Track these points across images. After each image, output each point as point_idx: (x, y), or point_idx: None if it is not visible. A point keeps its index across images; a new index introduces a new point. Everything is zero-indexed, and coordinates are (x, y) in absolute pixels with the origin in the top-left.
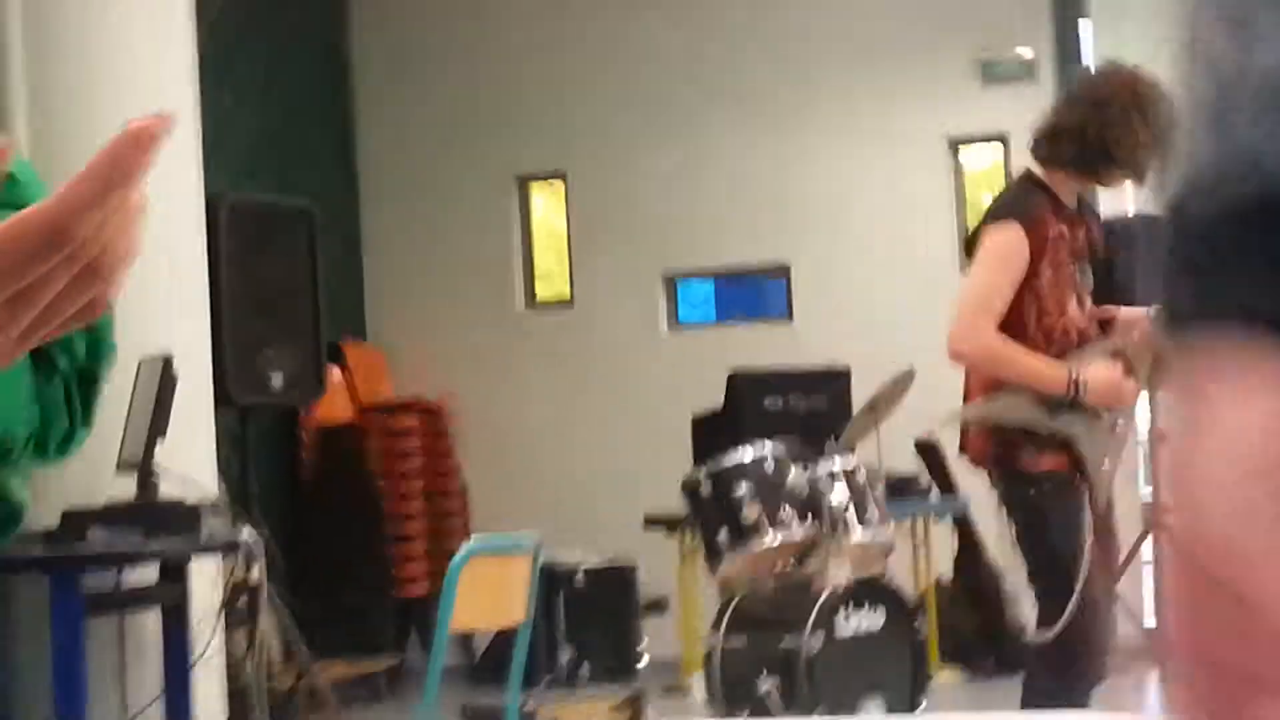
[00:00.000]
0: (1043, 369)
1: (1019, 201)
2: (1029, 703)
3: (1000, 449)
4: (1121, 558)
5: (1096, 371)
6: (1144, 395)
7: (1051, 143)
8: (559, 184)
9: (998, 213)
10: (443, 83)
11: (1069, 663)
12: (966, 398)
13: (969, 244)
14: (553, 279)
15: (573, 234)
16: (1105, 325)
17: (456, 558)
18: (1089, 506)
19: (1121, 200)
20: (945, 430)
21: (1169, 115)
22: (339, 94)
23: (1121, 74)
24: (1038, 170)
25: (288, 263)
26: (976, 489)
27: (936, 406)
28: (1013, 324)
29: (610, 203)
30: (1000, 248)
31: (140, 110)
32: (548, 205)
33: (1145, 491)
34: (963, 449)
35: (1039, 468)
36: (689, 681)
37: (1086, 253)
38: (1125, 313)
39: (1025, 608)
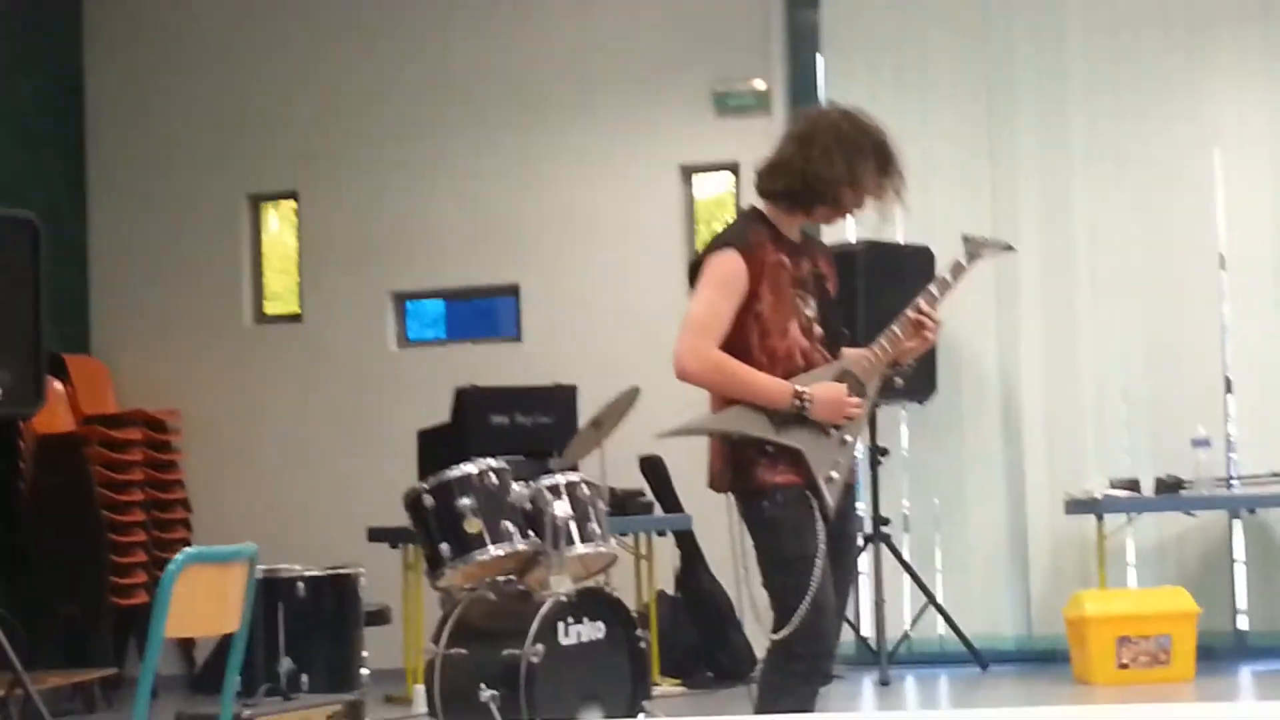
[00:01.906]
0: (766, 383)
1: (739, 231)
2: (761, 703)
3: (735, 469)
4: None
5: (821, 388)
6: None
7: (767, 178)
8: (291, 202)
9: (718, 241)
10: (176, 100)
11: (799, 663)
12: None
13: (692, 271)
14: (283, 295)
15: (304, 251)
16: (833, 353)
17: (170, 566)
18: (820, 516)
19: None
20: (666, 441)
21: (876, 153)
22: (70, 107)
23: (829, 113)
24: (760, 204)
25: (9, 273)
26: (700, 505)
27: (662, 424)
28: (736, 346)
29: (341, 222)
30: (720, 272)
31: None
32: (279, 223)
33: (861, 506)
34: (710, 483)
35: (773, 481)
36: (412, 692)
37: (810, 284)
38: (849, 351)
39: (749, 621)
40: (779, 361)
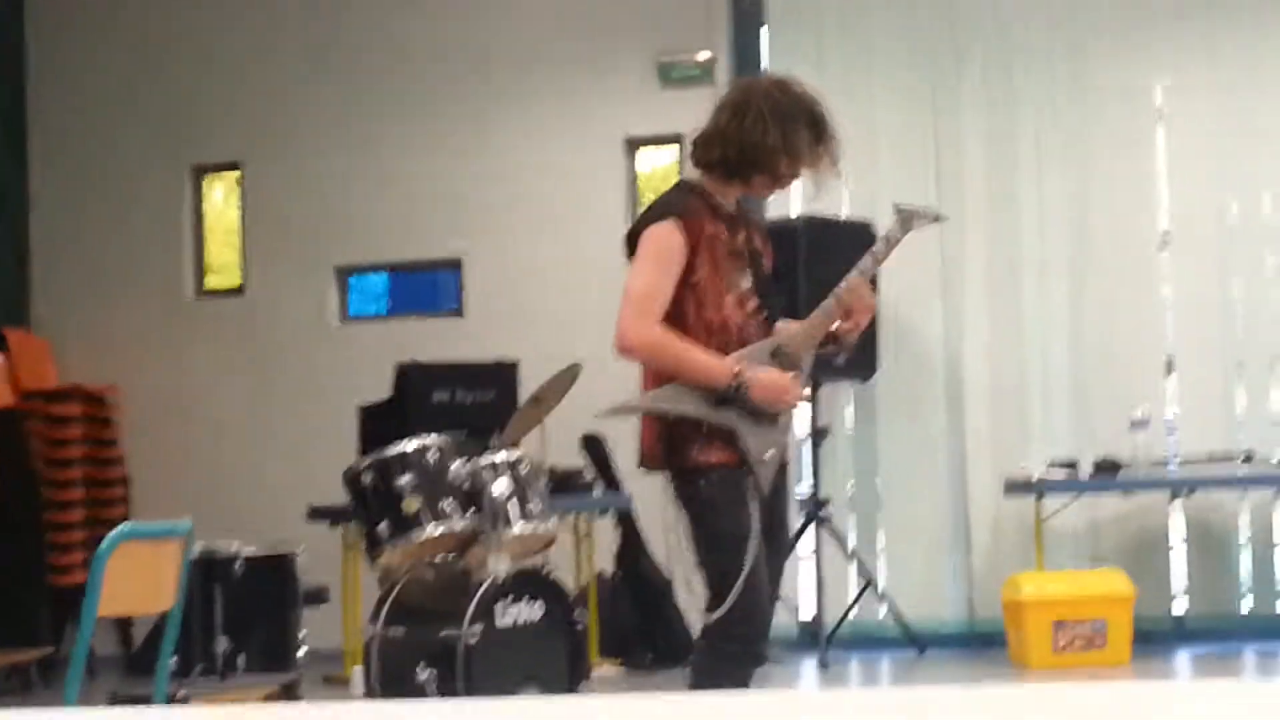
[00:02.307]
0: (706, 361)
1: (674, 201)
2: (696, 684)
3: (670, 447)
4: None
5: (761, 374)
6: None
7: (702, 149)
8: (233, 174)
9: (653, 212)
10: (118, 71)
11: (733, 644)
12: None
13: (629, 241)
14: (225, 269)
15: (246, 224)
16: (769, 325)
17: (104, 543)
18: (755, 496)
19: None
20: (607, 420)
21: (811, 121)
22: (10, 78)
23: (761, 82)
24: (694, 175)
25: None
26: (641, 485)
27: (604, 402)
28: (674, 319)
29: (285, 194)
30: (658, 245)
31: None
32: (222, 195)
33: (803, 487)
34: (641, 462)
35: (708, 461)
36: (350, 672)
37: (746, 256)
38: (783, 325)
39: (685, 602)
40: (715, 333)
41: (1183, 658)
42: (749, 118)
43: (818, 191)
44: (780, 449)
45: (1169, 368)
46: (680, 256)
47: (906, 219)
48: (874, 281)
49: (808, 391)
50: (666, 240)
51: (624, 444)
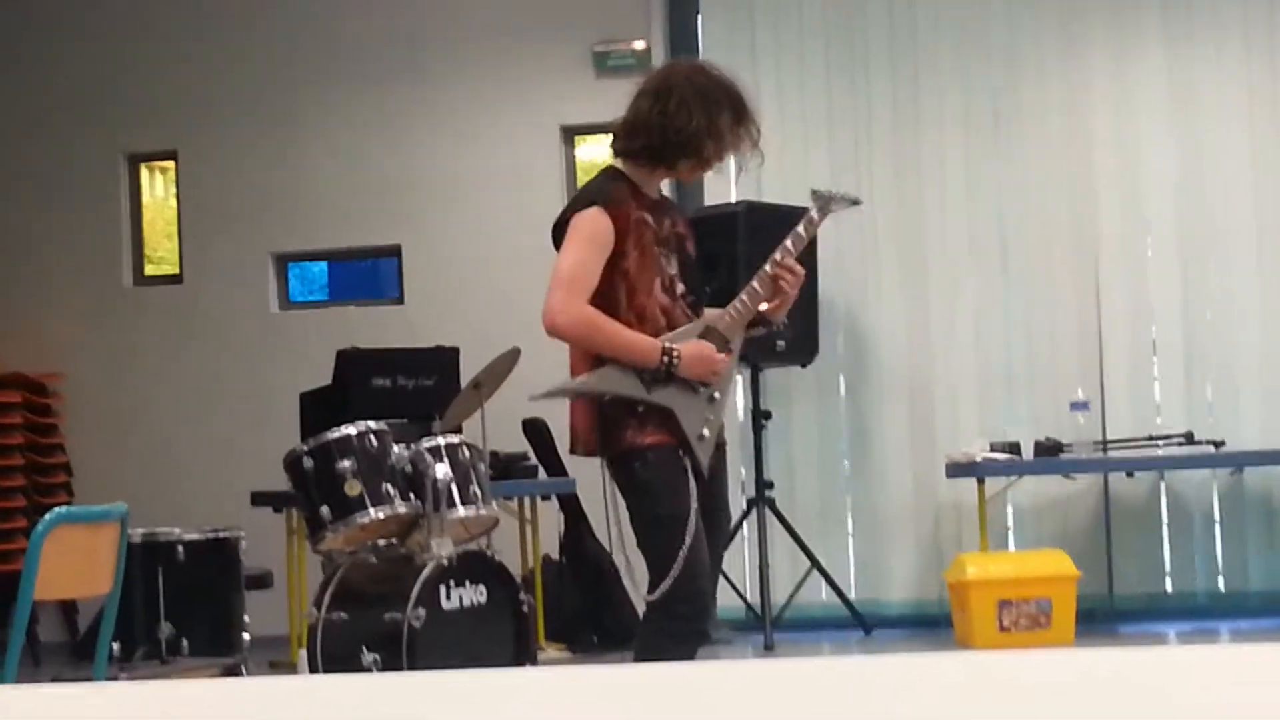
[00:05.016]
0: (636, 340)
1: (600, 188)
2: (640, 661)
3: (604, 431)
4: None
5: (689, 345)
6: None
7: (625, 137)
8: (170, 163)
9: (581, 199)
10: (53, 58)
11: (676, 623)
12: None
13: (556, 231)
14: (163, 257)
15: (184, 212)
16: (696, 311)
17: (39, 527)
18: (693, 475)
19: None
20: (545, 403)
21: (731, 103)
22: None
23: (680, 67)
24: (619, 163)
25: None
26: (583, 469)
27: (544, 386)
28: (605, 304)
29: (222, 182)
30: (586, 229)
31: None
32: (159, 183)
33: (743, 470)
34: (573, 448)
35: (644, 442)
36: (296, 657)
37: (672, 242)
38: (710, 311)
39: (630, 585)
40: (647, 320)
41: (1123, 638)
42: (671, 103)
43: (740, 172)
44: (716, 428)
45: (1102, 350)
46: (608, 241)
47: (824, 203)
48: (805, 265)
49: (745, 373)
50: (595, 225)
51: (566, 429)
